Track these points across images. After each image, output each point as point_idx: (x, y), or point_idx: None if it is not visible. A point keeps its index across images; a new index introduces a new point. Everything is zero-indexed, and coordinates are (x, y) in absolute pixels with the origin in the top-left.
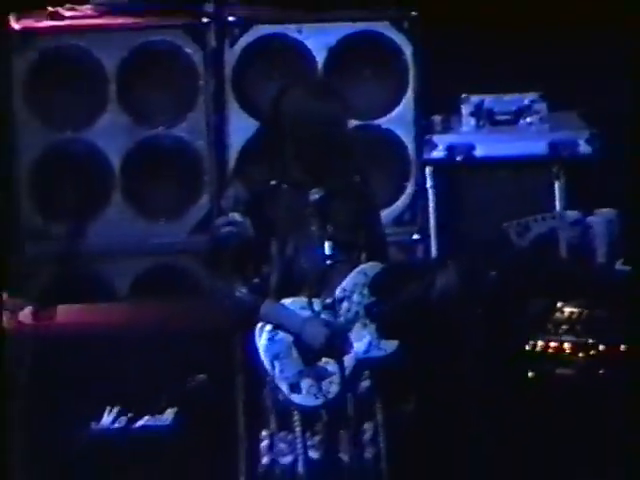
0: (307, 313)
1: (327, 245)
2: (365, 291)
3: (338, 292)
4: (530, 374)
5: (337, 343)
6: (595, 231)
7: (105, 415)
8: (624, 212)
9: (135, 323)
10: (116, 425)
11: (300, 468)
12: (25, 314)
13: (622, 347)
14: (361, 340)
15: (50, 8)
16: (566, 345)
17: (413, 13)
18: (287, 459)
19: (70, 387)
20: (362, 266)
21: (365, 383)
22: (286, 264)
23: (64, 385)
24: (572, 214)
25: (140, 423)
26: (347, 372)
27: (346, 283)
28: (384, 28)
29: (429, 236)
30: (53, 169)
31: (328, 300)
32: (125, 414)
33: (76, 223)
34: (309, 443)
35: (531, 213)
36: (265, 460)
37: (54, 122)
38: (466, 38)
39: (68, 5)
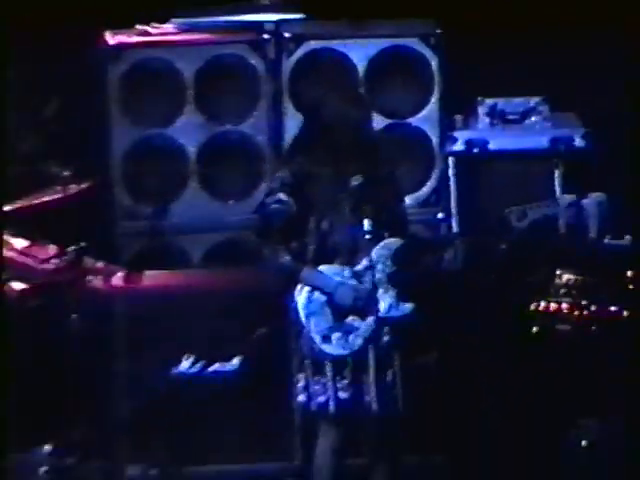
0: (339, 278)
1: (366, 222)
2: (388, 262)
3: (365, 262)
4: (535, 329)
5: (363, 304)
6: (588, 212)
7: (183, 361)
8: (612, 196)
9: (208, 286)
10: (192, 370)
11: (332, 406)
12: (117, 278)
13: (611, 308)
14: (383, 302)
15: (139, 26)
16: (564, 306)
17: (438, 31)
18: (321, 399)
19: (154, 338)
20: (386, 241)
21: (385, 338)
22: (322, 237)
23: (149, 337)
24: (568, 197)
25: (212, 368)
26: (371, 328)
27: (372, 254)
28: (414, 43)
29: (451, 215)
30: (141, 160)
31: (357, 268)
32: (199, 361)
33: (160, 204)
34: (339, 386)
35: (535, 197)
36: (302, 398)
37: (142, 121)
38: (482, 51)
39: (153, 24)
